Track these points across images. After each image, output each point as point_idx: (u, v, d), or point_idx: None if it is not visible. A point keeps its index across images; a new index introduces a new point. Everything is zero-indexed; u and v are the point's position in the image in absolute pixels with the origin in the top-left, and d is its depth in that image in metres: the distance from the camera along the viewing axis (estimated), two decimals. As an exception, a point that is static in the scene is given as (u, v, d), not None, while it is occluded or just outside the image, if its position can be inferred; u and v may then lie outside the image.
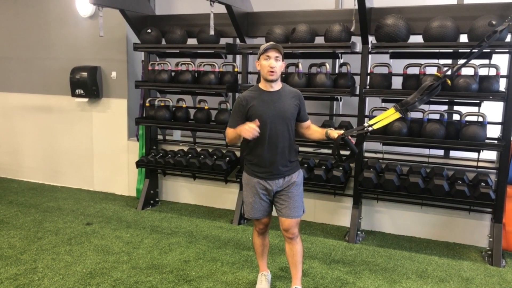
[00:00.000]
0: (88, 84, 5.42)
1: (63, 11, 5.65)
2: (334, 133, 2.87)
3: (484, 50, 3.78)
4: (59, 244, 3.99)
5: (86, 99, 5.57)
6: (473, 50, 3.13)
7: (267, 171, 2.87)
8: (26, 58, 6.02)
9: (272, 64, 2.75)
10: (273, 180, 2.88)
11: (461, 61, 3.82)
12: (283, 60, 2.83)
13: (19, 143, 6.29)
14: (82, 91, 5.49)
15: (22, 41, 6.01)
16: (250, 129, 2.63)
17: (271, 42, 2.84)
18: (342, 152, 2.95)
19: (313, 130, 3.05)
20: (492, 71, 3.82)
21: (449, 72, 3.42)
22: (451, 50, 3.96)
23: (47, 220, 4.62)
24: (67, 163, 5.96)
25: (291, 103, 2.88)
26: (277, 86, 2.88)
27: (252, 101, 2.83)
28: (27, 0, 5.89)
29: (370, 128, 2.89)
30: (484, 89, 3.70)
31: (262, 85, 2.88)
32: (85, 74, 5.42)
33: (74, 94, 5.56)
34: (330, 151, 4.51)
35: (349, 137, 2.81)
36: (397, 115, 2.86)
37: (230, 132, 2.85)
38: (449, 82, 2.92)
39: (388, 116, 2.88)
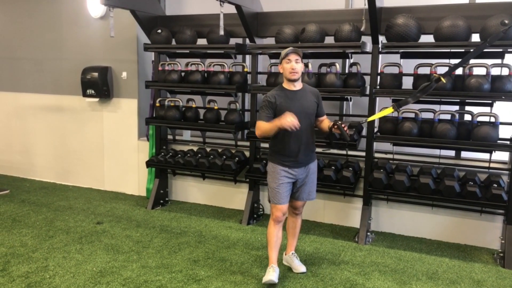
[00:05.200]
0: (99, 84, 5.46)
1: (75, 12, 5.71)
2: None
3: (497, 50, 3.76)
4: (70, 242, 4.02)
5: (97, 99, 5.62)
6: (477, 49, 3.14)
7: (293, 160, 3.22)
8: (38, 58, 6.10)
9: (293, 66, 3.12)
10: (297, 168, 3.24)
11: (473, 61, 3.81)
12: (302, 62, 3.17)
13: (31, 143, 6.36)
14: (93, 91, 5.53)
15: (35, 42, 6.09)
16: (291, 122, 2.93)
17: (292, 48, 3.17)
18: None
19: (323, 122, 3.38)
20: (505, 71, 3.77)
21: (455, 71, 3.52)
22: (463, 50, 3.91)
23: (58, 219, 4.67)
24: (78, 162, 6.02)
25: (312, 100, 3.26)
26: (299, 85, 3.24)
27: (279, 99, 3.16)
28: (39, 1, 5.96)
29: (364, 120, 3.36)
30: (496, 89, 3.65)
31: (286, 85, 3.23)
32: (96, 74, 5.46)
33: (85, 94, 5.61)
34: (339, 152, 4.52)
35: (343, 125, 3.09)
36: (390, 110, 3.20)
37: (263, 125, 3.13)
38: (443, 80, 3.05)
39: (382, 112, 3.31)
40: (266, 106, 3.16)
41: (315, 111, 3.27)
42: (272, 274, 3.22)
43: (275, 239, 3.29)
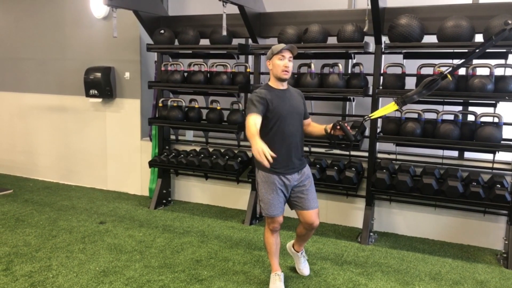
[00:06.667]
0: (102, 85, 5.48)
1: (78, 12, 5.73)
2: (331, 125, 3.07)
3: (500, 50, 3.75)
4: (73, 242, 4.03)
5: (100, 99, 5.63)
6: (478, 48, 3.09)
7: (285, 165, 2.98)
8: (41, 59, 6.11)
9: (286, 64, 2.91)
10: (290, 174, 3.01)
11: (477, 61, 3.80)
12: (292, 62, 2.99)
13: (34, 143, 6.38)
14: (96, 92, 5.55)
15: (38, 42, 6.10)
16: (262, 154, 2.52)
17: (288, 44, 2.96)
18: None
19: (313, 126, 3.23)
20: (508, 71, 3.76)
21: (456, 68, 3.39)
22: (466, 50, 3.90)
23: (61, 218, 4.68)
24: (81, 162, 6.03)
25: (300, 100, 3.09)
26: (285, 85, 3.06)
27: (269, 96, 2.92)
28: (42, 2, 5.98)
29: (367, 117, 3.08)
30: (499, 89, 3.64)
31: (273, 84, 3.02)
32: (99, 74, 5.48)
33: (88, 95, 5.62)
34: (342, 152, 4.51)
35: (346, 125, 2.96)
36: (395, 106, 2.95)
37: (252, 124, 2.72)
38: (449, 77, 2.92)
39: (386, 108, 3.02)
40: (257, 100, 2.85)
41: (303, 111, 3.09)
42: (278, 284, 3.14)
43: (275, 247, 3.15)
